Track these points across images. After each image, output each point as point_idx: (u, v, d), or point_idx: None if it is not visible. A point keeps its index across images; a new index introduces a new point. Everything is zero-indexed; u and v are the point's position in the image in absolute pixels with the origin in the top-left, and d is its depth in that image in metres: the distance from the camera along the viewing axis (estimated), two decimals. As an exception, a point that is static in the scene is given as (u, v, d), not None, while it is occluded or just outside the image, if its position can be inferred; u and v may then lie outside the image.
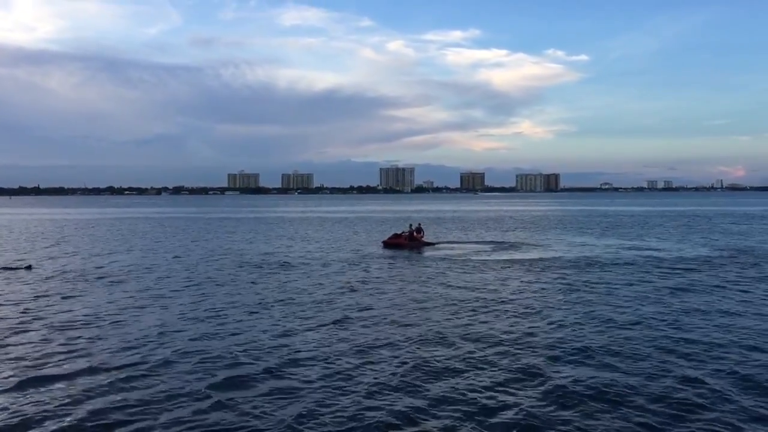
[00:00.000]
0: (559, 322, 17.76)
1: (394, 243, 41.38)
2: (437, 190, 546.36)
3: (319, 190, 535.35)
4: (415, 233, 42.70)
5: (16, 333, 16.54)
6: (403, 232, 43.17)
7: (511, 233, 55.38)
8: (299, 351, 14.77)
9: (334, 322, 17.88)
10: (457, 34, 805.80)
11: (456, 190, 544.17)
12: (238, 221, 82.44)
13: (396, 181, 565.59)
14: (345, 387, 12.17)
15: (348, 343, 15.53)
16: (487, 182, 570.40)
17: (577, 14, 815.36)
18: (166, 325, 17.51)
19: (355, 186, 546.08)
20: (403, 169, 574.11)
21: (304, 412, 10.91)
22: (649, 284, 24.65)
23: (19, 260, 33.57)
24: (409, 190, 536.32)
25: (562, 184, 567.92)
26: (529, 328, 17.11)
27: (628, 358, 14.02)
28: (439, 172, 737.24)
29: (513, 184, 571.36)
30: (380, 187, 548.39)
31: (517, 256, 35.75)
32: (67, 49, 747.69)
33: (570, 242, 44.98)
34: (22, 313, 19.32)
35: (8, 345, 15.25)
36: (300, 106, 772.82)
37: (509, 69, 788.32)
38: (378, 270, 30.04)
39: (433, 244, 42.62)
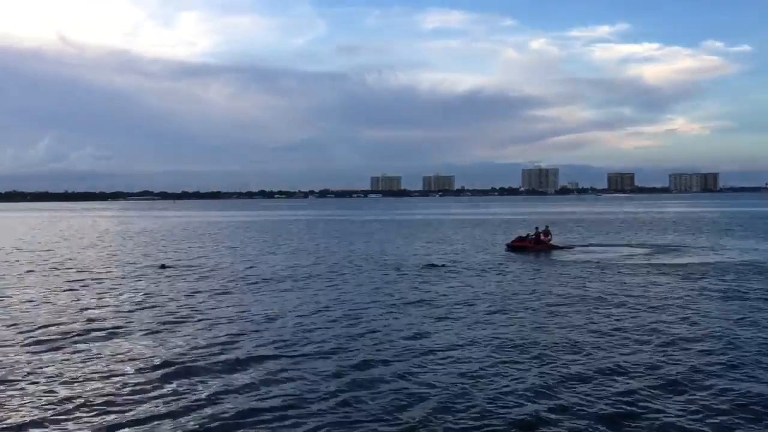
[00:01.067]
0: (712, 335, 16.45)
1: (519, 246, 40.31)
2: (582, 191, 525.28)
3: (461, 192, 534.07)
4: (542, 236, 41.11)
5: (146, 331, 17.98)
6: (528, 235, 41.92)
7: (661, 236, 52.07)
8: (427, 352, 14.94)
9: (460, 325, 17.90)
10: (604, 30, 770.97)
11: (604, 191, 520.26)
12: (380, 223, 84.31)
13: (539, 183, 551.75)
14: (474, 389, 12.10)
15: (475, 346, 15.43)
16: (637, 182, 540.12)
17: (739, 2, 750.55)
18: (302, 323, 18.26)
19: (497, 188, 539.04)
20: (546, 170, 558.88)
21: (430, 413, 11.00)
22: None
23: (156, 259, 36.68)
24: (553, 192, 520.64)
25: (722, 183, 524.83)
26: (672, 335, 16.01)
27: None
28: (584, 172, 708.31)
29: (666, 185, 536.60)
30: (522, 189, 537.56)
31: (666, 260, 33.52)
32: (223, 62, 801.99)
33: (731, 246, 41.43)
34: (144, 309, 20.92)
35: (153, 336, 16.62)
36: (442, 109, 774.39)
37: (662, 63, 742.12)
38: (502, 275, 29.55)
39: (563, 247, 40.95)
